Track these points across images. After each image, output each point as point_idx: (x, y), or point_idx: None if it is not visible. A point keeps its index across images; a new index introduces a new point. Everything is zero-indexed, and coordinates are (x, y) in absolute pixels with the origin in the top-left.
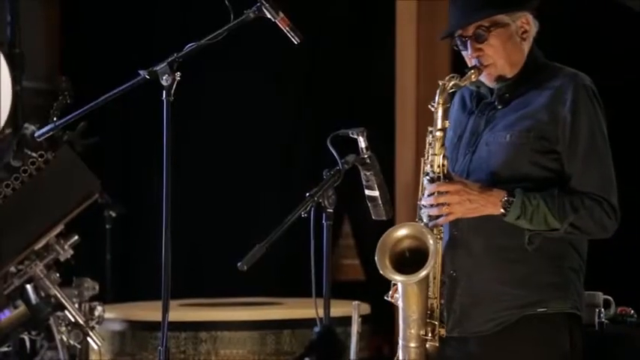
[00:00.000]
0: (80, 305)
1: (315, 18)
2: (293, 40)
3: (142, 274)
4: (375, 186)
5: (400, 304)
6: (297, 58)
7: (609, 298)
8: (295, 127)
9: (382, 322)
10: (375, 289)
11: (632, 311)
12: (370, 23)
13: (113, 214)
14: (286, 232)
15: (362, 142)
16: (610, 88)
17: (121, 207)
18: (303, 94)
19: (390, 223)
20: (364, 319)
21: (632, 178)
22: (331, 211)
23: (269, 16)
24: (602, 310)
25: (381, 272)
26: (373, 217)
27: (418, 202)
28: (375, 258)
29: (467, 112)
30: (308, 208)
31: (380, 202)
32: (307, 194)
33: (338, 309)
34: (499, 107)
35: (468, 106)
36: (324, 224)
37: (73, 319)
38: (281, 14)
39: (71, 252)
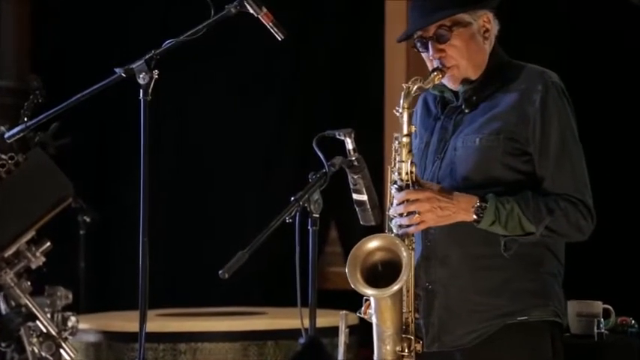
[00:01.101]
0: (53, 315)
1: (301, 17)
2: (277, 36)
3: (118, 282)
4: (363, 190)
5: (374, 319)
6: (282, 59)
7: (609, 307)
8: (279, 128)
9: (370, 333)
10: (362, 299)
11: (633, 321)
12: (359, 23)
13: (87, 220)
14: (270, 238)
15: (349, 144)
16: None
17: (95, 212)
18: (289, 96)
19: (379, 228)
20: (352, 329)
21: (633, 185)
22: (317, 216)
23: (251, 11)
24: (602, 320)
25: (352, 286)
26: (361, 223)
27: (387, 213)
28: (346, 271)
29: (432, 117)
30: (293, 213)
31: (368, 206)
32: (292, 198)
33: (324, 319)
34: (466, 111)
35: (432, 112)
36: (310, 230)
37: (45, 330)
38: (264, 9)
39: (43, 259)
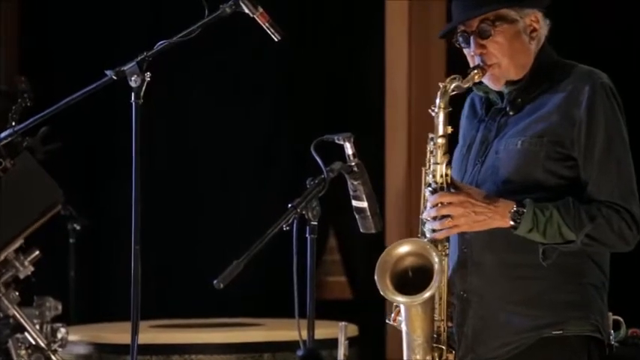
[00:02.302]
0: (42, 326)
1: (297, 15)
2: (273, 37)
3: (109, 292)
4: (364, 196)
5: (404, 327)
6: (277, 59)
7: (619, 318)
8: (276, 132)
9: (371, 345)
10: (363, 309)
11: None
12: (358, 20)
13: (77, 227)
14: (266, 246)
15: (349, 149)
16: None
17: (85, 219)
18: (284, 98)
19: (380, 236)
20: (351, 341)
21: None
22: (315, 223)
23: (247, 11)
24: (612, 331)
25: (381, 293)
26: (361, 230)
27: (420, 216)
28: (375, 277)
29: (477, 119)
30: (290, 221)
31: (368, 213)
32: (289, 205)
33: (323, 330)
34: (511, 113)
35: (478, 114)
36: (308, 238)
37: (33, 342)
38: (260, 9)
39: (32, 268)
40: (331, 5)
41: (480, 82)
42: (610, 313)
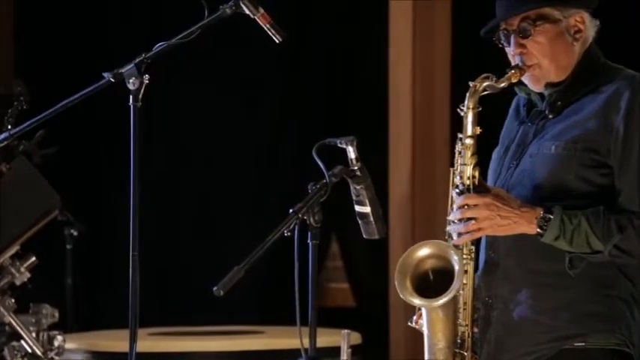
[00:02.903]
0: (38, 334)
1: (299, 16)
2: (274, 38)
3: (107, 299)
4: (367, 201)
5: (425, 331)
6: (277, 58)
7: None
8: (276, 136)
9: (374, 353)
10: (366, 317)
11: None
12: (360, 17)
13: (75, 233)
14: (267, 252)
15: (351, 152)
16: None
17: (83, 225)
18: (285, 99)
19: (383, 242)
20: (354, 349)
21: None
22: (317, 229)
23: (247, 12)
24: None
25: (400, 296)
26: (364, 236)
27: (447, 218)
28: (395, 281)
29: (518, 121)
30: (291, 226)
31: (372, 219)
32: (290, 210)
33: (325, 338)
34: (550, 116)
35: (521, 115)
36: (310, 244)
37: (29, 350)
38: (261, 10)
39: (28, 275)
40: (334, 5)
41: (521, 82)
42: None
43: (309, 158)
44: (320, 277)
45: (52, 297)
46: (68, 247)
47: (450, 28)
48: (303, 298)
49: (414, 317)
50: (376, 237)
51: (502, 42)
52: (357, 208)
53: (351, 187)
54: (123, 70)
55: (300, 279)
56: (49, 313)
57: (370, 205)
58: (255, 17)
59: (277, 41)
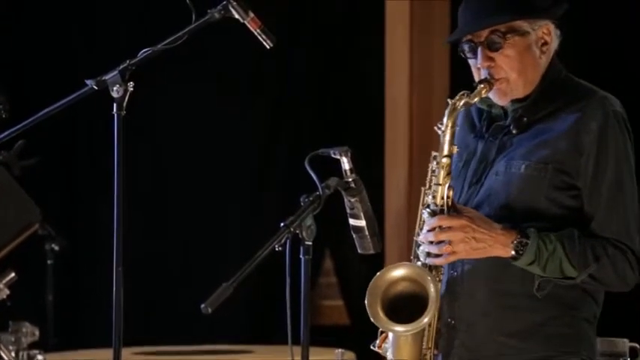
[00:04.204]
0: (18, 354)
1: (291, 19)
2: (265, 44)
3: (90, 317)
4: (361, 214)
5: (389, 355)
6: (270, 66)
7: (636, 345)
8: (267, 146)
9: None
10: (360, 335)
11: None
12: (356, 25)
13: (56, 248)
14: (257, 268)
15: (346, 164)
16: None
17: (64, 239)
18: (278, 108)
19: (379, 257)
20: None
21: None
22: (310, 244)
23: (237, 16)
24: (628, 359)
25: (372, 320)
26: (359, 251)
27: (415, 238)
28: (365, 303)
29: (475, 134)
30: (283, 241)
31: (367, 233)
32: (282, 224)
33: (318, 358)
34: (514, 132)
35: (477, 127)
36: (302, 259)
37: None
38: (251, 14)
39: (7, 292)
40: (328, 11)
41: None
42: (626, 340)
43: (301, 169)
44: (313, 294)
45: (32, 315)
46: (49, 262)
47: (448, 32)
48: (295, 316)
49: (378, 341)
50: (371, 252)
51: (466, 54)
52: (352, 221)
53: (345, 200)
54: (106, 77)
55: (292, 296)
56: (29, 332)
57: (365, 219)
58: (245, 22)
59: (268, 47)
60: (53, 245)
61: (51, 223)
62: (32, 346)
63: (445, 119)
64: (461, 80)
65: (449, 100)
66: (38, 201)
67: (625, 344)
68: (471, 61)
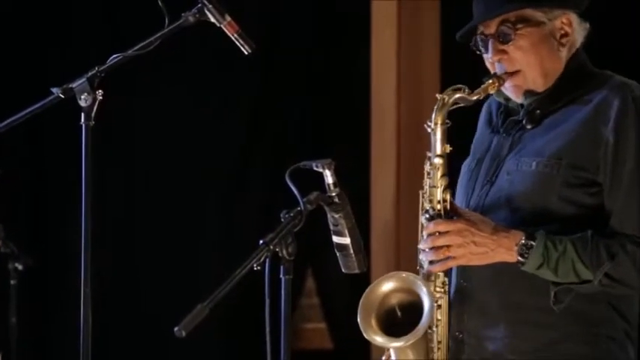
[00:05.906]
0: None
1: (272, 19)
2: (242, 49)
3: (56, 340)
4: (346, 231)
5: None
6: (249, 69)
7: None
8: (246, 155)
9: None
10: (344, 359)
11: None
12: (340, 25)
13: (20, 267)
14: (235, 288)
15: (329, 177)
16: None
17: (29, 258)
18: (257, 114)
19: (364, 276)
20: None
21: None
22: (291, 262)
23: (213, 20)
24: None
25: (364, 335)
26: (343, 270)
27: (418, 246)
28: (358, 319)
29: (491, 129)
30: (262, 260)
31: (351, 251)
32: (260, 241)
33: None
34: (528, 127)
35: (494, 123)
36: (282, 279)
37: None
38: (228, 18)
39: None
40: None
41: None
42: None
43: (283, 183)
44: (294, 316)
45: None
46: (12, 282)
47: (438, 34)
48: (275, 340)
49: (383, 357)
50: (356, 271)
51: (479, 48)
52: (335, 239)
53: (329, 216)
54: (73, 85)
55: (271, 318)
56: None
57: (350, 236)
58: (221, 26)
59: (246, 52)
60: (17, 264)
61: (14, 241)
62: None
63: (434, 115)
64: (451, 82)
65: (438, 95)
66: (1, 216)
67: None
68: (485, 57)
